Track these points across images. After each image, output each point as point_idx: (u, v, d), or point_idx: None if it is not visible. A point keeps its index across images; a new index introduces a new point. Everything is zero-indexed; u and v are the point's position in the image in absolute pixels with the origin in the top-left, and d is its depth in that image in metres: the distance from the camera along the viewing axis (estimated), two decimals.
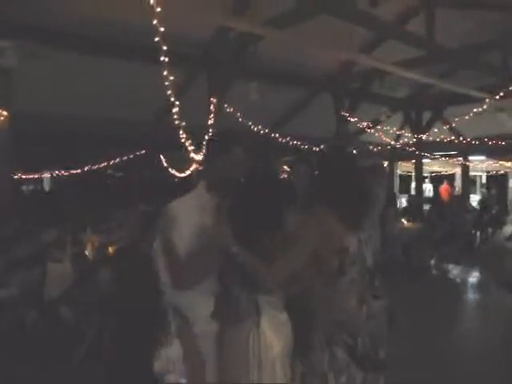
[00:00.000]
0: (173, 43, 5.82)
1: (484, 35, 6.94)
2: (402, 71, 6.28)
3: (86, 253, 4.58)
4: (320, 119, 8.19)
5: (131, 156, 8.64)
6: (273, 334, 1.75)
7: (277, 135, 7.48)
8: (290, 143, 7.67)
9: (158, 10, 3.52)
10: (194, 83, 6.77)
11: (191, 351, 1.82)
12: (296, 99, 8.11)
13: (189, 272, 1.77)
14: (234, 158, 1.89)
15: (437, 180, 15.71)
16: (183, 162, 10.30)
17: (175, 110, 4.12)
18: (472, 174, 14.23)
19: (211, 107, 6.25)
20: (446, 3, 6.18)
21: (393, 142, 9.37)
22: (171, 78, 3.75)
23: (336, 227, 1.76)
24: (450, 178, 14.96)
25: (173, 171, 10.65)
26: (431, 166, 14.74)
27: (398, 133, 9.41)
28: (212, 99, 6.30)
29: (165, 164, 9.53)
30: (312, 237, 1.73)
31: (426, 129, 9.67)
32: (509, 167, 13.38)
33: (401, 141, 9.74)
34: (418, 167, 10.14)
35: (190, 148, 5.75)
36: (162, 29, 3.63)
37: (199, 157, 5.79)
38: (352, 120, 8.14)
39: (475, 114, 8.91)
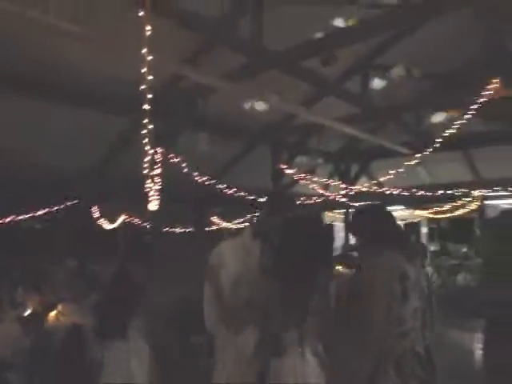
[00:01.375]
0: (120, 87, 5.82)
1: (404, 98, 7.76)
2: (342, 126, 6.70)
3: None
4: (258, 170, 8.42)
5: (61, 206, 8.13)
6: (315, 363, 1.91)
7: (223, 185, 7.53)
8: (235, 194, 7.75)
9: (150, 58, 3.44)
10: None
11: None
12: (236, 150, 8.29)
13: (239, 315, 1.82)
14: (276, 211, 2.22)
15: None
16: (115, 212, 9.94)
17: (147, 158, 3.98)
18: None
19: (157, 157, 6.16)
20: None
21: (327, 193, 9.81)
22: (150, 126, 3.62)
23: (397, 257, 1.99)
24: None
25: (104, 222, 10.17)
26: None
27: (333, 184, 9.90)
28: (158, 149, 6.22)
29: (96, 215, 9.09)
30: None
31: (354, 180, 10.31)
32: (421, 216, 14.52)
33: (332, 192, 10.23)
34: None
35: (154, 198, 5.57)
36: (151, 77, 3.53)
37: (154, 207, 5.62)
38: (288, 172, 8.45)
39: (397, 168, 9.79)
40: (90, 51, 4.97)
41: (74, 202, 8.11)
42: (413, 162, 9.74)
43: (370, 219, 2.21)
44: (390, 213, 2.33)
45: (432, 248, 13.38)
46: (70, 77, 5.57)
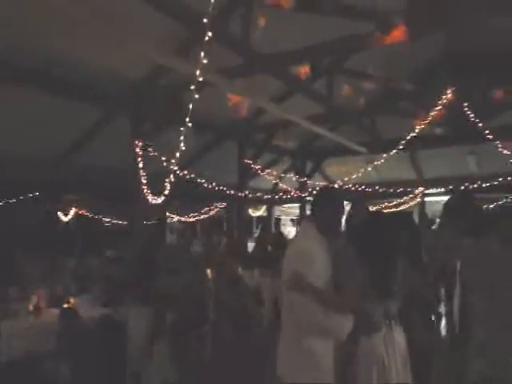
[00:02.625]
0: (99, 77, 5.74)
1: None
2: (309, 125, 7.09)
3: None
4: (225, 164, 8.64)
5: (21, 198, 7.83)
6: (400, 336, 2.25)
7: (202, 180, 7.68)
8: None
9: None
10: (113, 122, 6.67)
11: None
12: (204, 144, 8.44)
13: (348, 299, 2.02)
14: (338, 206, 2.46)
15: None
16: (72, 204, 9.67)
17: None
18: None
19: (137, 150, 6.18)
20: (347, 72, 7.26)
21: (290, 189, 10.22)
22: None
23: None
24: None
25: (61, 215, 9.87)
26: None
27: (294, 179, 10.33)
28: (137, 142, 6.24)
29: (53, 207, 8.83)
30: None
31: (310, 176, 10.85)
32: None
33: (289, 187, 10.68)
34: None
35: (150, 195, 5.59)
36: None
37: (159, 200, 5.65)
38: (254, 167, 8.73)
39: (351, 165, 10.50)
40: (59, 35, 4.92)
41: (35, 194, 7.84)
42: (365, 161, 10.53)
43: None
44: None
45: None
46: (37, 60, 5.29)
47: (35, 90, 5.65)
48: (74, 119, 6.66)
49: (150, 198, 5.97)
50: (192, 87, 5.42)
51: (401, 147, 9.12)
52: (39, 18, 4.75)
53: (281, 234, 10.37)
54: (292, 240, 2.52)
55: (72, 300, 4.01)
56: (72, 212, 10.15)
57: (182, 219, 12.22)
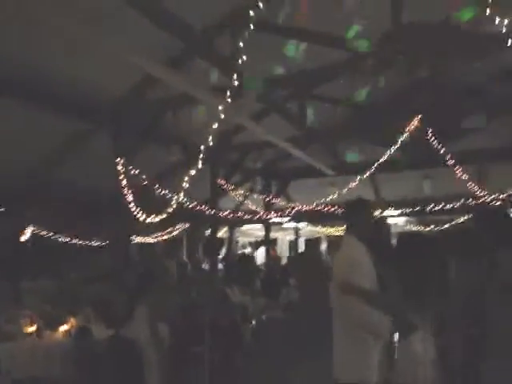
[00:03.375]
0: (78, 90, 5.62)
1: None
2: (287, 146, 7.34)
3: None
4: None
5: None
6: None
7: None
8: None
9: None
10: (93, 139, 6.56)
11: None
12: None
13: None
14: (370, 217, 2.75)
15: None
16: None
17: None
18: (292, 238, 16.44)
19: (119, 168, 6.13)
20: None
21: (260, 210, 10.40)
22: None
23: None
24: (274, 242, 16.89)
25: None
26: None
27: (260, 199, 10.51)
28: (119, 160, 6.18)
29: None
30: None
31: (275, 197, 11.11)
32: (322, 232, 15.84)
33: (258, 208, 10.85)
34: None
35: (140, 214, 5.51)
36: None
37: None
38: (226, 188, 8.86)
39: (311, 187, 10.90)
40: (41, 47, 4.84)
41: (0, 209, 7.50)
42: (328, 183, 10.96)
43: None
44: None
45: None
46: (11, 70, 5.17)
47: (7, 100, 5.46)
48: (47, 133, 6.49)
49: (136, 215, 5.92)
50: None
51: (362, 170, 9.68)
52: (15, 27, 4.63)
53: (247, 255, 10.55)
54: (338, 252, 2.71)
55: (72, 320, 3.86)
56: (29, 231, 9.74)
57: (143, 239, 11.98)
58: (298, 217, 12.45)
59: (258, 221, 11.62)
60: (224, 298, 4.88)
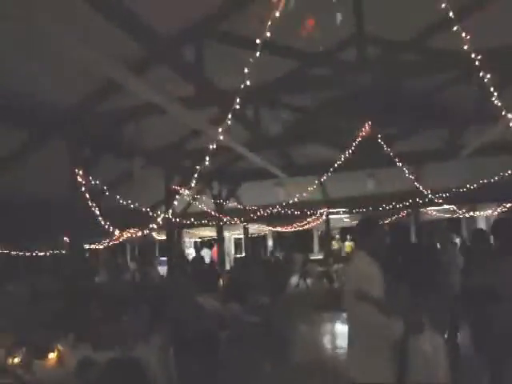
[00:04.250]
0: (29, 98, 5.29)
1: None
2: (244, 150, 7.45)
3: None
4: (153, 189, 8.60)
5: None
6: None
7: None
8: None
9: None
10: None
11: None
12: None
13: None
14: (381, 233, 2.94)
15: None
16: None
17: None
18: (239, 237, 16.66)
19: (78, 179, 5.91)
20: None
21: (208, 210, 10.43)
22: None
23: None
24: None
25: None
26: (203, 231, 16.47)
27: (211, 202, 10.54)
28: (77, 170, 5.96)
29: None
30: None
31: (226, 199, 11.21)
32: (268, 230, 16.20)
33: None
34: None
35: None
36: None
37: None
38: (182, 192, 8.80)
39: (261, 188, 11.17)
40: None
41: None
42: (274, 184, 11.23)
43: None
44: None
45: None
46: None
47: None
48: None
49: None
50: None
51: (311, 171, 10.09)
52: None
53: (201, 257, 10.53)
54: (350, 265, 3.00)
55: (60, 347, 3.65)
56: None
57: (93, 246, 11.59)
58: (248, 219, 12.67)
59: (208, 223, 11.68)
60: (200, 308, 4.90)
